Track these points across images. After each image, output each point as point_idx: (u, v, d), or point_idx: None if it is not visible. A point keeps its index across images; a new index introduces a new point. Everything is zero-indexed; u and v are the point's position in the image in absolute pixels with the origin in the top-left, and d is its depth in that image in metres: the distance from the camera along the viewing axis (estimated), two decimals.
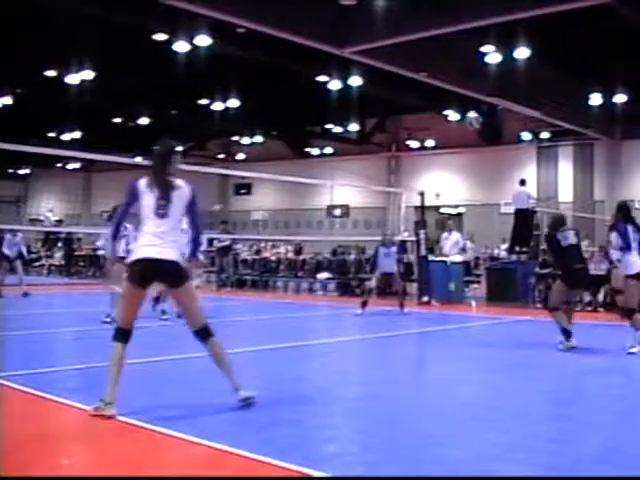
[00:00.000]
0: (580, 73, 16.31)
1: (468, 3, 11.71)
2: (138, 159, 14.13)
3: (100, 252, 15.69)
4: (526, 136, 22.30)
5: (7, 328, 8.17)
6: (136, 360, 6.33)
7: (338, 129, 24.51)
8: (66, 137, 24.08)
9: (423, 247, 14.82)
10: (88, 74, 17.03)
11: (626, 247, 7.76)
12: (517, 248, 15.36)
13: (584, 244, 11.88)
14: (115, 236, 4.94)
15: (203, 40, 13.95)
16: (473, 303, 14.59)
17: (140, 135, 22.20)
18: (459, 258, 15.26)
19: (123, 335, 4.58)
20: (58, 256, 25.03)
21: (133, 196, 4.63)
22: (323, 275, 18.10)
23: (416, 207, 15.88)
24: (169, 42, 14.53)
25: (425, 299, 14.36)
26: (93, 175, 33.22)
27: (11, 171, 32.91)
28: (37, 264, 24.63)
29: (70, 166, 30.27)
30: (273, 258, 19.52)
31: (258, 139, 25.88)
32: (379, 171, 25.51)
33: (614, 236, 7.93)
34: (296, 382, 5.94)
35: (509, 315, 12.24)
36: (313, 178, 20.17)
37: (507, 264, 15.51)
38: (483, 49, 14.23)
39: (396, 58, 13.78)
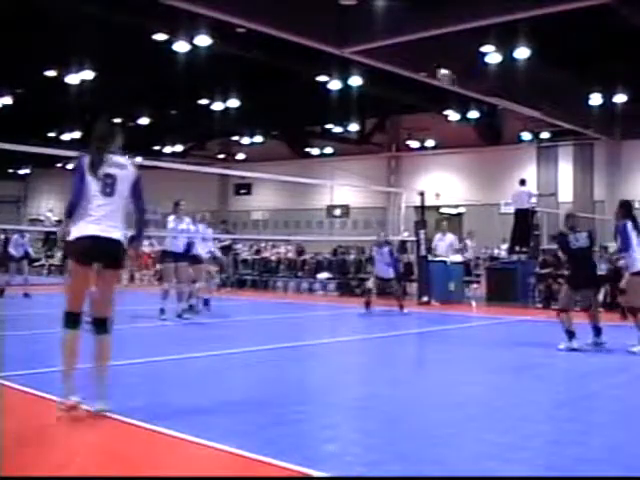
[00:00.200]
0: (580, 73, 16.30)
1: (468, 3, 11.72)
2: (138, 159, 14.11)
3: None
4: (526, 136, 22.32)
5: (7, 328, 8.18)
6: (136, 360, 6.35)
7: (338, 129, 24.51)
8: (66, 137, 24.08)
9: (423, 247, 14.82)
10: (88, 74, 17.05)
11: (624, 249, 7.76)
12: (517, 248, 15.37)
13: None
14: (70, 215, 4.49)
15: (203, 40, 13.96)
16: (473, 303, 14.60)
17: (140, 135, 22.19)
18: (459, 258, 15.27)
19: (73, 321, 4.40)
20: (58, 256, 25.02)
21: (82, 175, 4.46)
22: (323, 275, 18.10)
23: (416, 207, 15.88)
24: (169, 42, 14.55)
25: (425, 299, 14.36)
26: None
27: (11, 171, 32.91)
28: (37, 264, 24.63)
29: (70, 166, 30.22)
30: (273, 258, 19.52)
31: (258, 139, 25.90)
32: (379, 171, 25.51)
33: (618, 238, 7.93)
34: (296, 382, 5.94)
35: (509, 315, 12.23)
36: (313, 178, 20.20)
37: (507, 264, 15.52)
38: (483, 49, 14.22)
39: (396, 58, 13.76)
